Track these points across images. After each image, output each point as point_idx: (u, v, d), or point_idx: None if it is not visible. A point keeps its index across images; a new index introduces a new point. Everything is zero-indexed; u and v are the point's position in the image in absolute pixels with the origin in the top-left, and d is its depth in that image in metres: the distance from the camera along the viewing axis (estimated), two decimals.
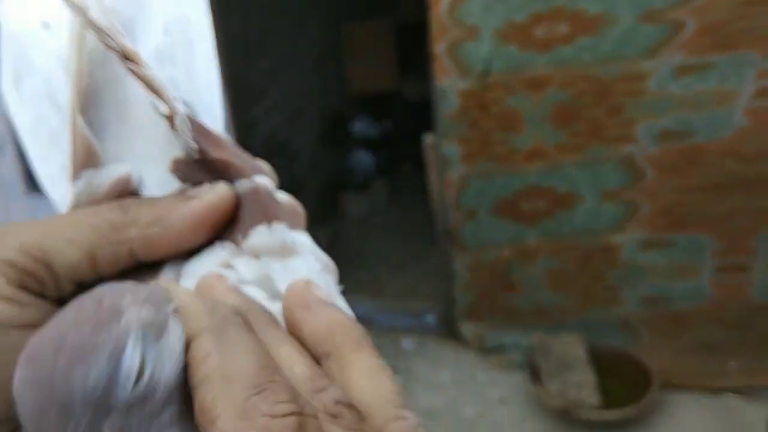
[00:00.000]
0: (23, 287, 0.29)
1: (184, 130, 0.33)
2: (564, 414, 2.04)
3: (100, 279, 0.30)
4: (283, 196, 0.35)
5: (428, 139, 2.11)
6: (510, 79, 1.92)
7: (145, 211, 0.32)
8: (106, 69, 0.35)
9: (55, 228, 0.30)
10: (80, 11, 0.32)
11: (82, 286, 0.30)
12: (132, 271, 0.31)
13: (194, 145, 0.33)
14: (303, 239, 0.34)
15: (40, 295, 0.30)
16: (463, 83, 1.94)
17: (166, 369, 0.23)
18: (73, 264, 0.30)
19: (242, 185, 0.34)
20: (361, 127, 3.91)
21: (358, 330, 0.29)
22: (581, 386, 2.07)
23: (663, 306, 2.15)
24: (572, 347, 2.17)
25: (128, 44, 0.32)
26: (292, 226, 0.33)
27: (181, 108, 0.34)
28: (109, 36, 0.32)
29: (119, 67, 0.34)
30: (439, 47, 1.90)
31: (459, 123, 2.00)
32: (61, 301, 0.29)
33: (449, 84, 1.95)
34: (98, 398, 0.22)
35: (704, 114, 1.86)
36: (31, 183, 2.15)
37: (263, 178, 0.34)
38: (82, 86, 0.34)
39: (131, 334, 0.23)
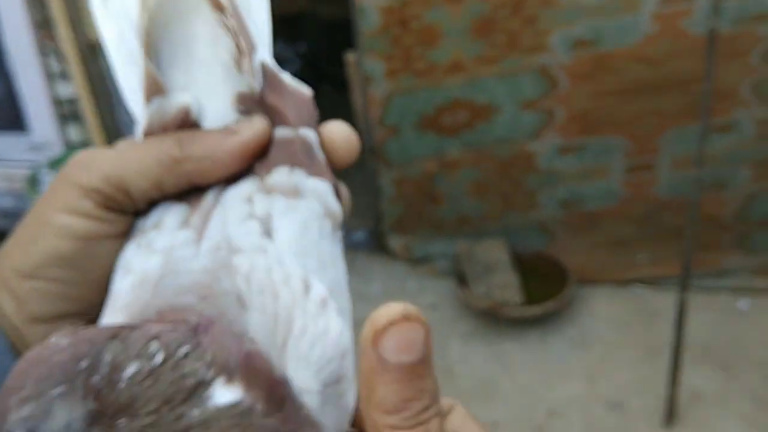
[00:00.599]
0: (108, 208, 0.36)
1: (251, 72, 0.37)
2: (491, 313, 2.16)
3: (165, 197, 0.37)
4: (320, 153, 0.39)
5: (350, 57, 2.12)
6: None
7: (197, 146, 0.37)
8: (176, 4, 0.39)
9: (130, 161, 0.37)
10: None
11: (153, 202, 0.37)
12: (187, 191, 0.37)
13: (256, 87, 0.38)
14: (316, 185, 0.37)
15: (121, 212, 0.37)
16: None
17: None
18: (144, 190, 0.37)
19: (281, 131, 0.38)
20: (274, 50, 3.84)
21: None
22: (505, 287, 2.19)
23: (577, 207, 2.26)
24: (495, 251, 2.28)
25: None
26: (312, 174, 0.37)
27: (257, 55, 0.38)
28: None
29: (189, 4, 0.38)
30: None
31: (380, 40, 2.02)
32: (136, 213, 0.37)
33: (369, 1, 1.95)
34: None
35: (613, 21, 1.93)
36: None
37: (305, 131, 0.38)
38: (158, 13, 0.38)
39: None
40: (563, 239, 2.33)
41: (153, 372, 0.26)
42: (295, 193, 0.36)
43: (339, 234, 0.37)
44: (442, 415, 0.33)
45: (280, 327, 0.31)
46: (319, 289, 0.33)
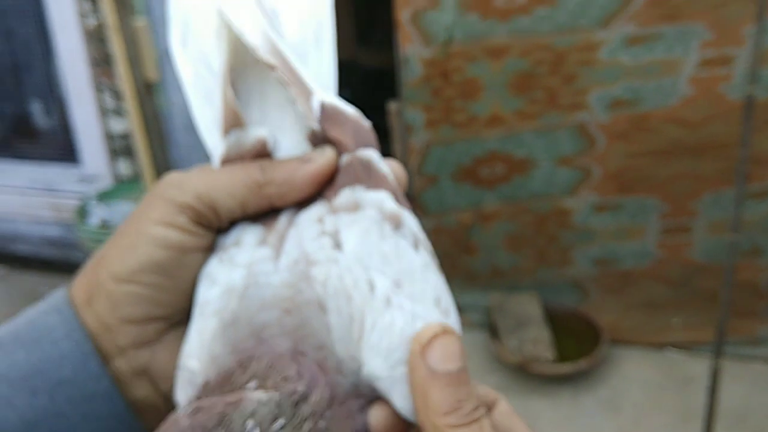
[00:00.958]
0: (198, 223, 0.41)
1: (310, 112, 0.42)
2: (521, 368, 2.14)
3: (245, 217, 0.42)
4: (382, 165, 0.43)
5: (392, 106, 2.17)
6: (471, 48, 1.98)
7: (278, 172, 0.42)
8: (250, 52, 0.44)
9: (219, 182, 0.41)
10: (236, 29, 0.42)
11: (233, 221, 0.42)
12: (263, 214, 0.42)
13: (317, 126, 0.42)
14: (374, 196, 0.41)
15: (208, 228, 0.41)
16: (426, 51, 2.00)
17: None
18: (230, 209, 0.41)
19: (343, 158, 0.42)
20: None
21: None
22: (537, 342, 2.17)
23: (611, 266, 2.24)
24: (528, 306, 2.27)
25: (271, 60, 0.42)
26: (370, 187, 0.41)
27: (315, 99, 0.42)
28: (257, 52, 0.41)
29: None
30: (403, 15, 1.95)
31: (422, 90, 2.06)
32: (219, 231, 0.42)
33: (413, 52, 2.00)
34: None
35: (652, 83, 1.94)
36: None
37: (365, 151, 0.42)
38: (234, 62, 0.44)
39: None
40: (596, 297, 2.31)
41: None
42: (355, 207, 0.40)
43: (406, 229, 0.41)
44: (489, 407, 0.39)
45: (355, 324, 0.37)
46: (383, 287, 0.38)
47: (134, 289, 0.40)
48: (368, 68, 3.65)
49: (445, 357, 0.36)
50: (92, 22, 2.54)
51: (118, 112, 2.67)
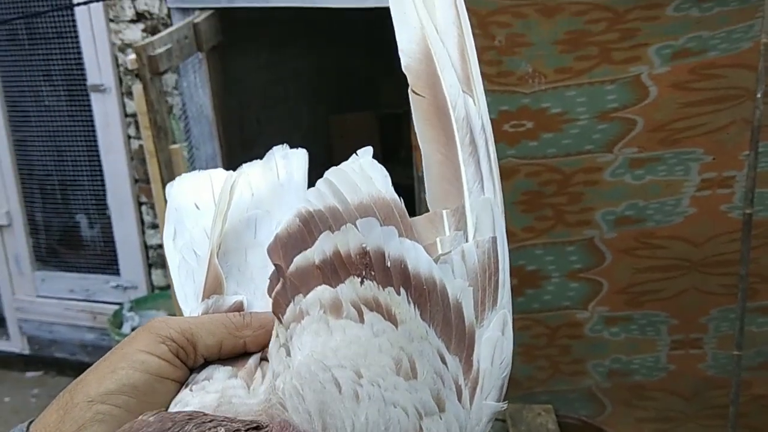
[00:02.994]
0: (177, 355, 0.43)
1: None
2: None
3: (219, 359, 0.44)
4: (315, 254, 0.46)
5: None
6: None
7: (255, 320, 0.46)
8: (237, 239, 0.53)
9: (202, 322, 0.45)
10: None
11: (206, 362, 0.44)
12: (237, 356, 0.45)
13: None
14: (312, 297, 0.43)
15: (184, 362, 0.44)
16: None
17: None
18: (208, 346, 0.44)
19: (279, 283, 0.46)
20: None
21: None
22: None
23: (625, 378, 2.19)
24: (542, 418, 2.20)
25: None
26: (309, 289, 0.44)
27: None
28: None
29: (243, 240, 0.53)
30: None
31: None
32: (192, 370, 0.44)
33: None
34: None
35: (655, 202, 1.95)
36: None
37: (296, 259, 0.45)
38: (221, 243, 0.51)
39: None
40: (610, 409, 2.24)
41: None
42: (300, 315, 0.43)
43: (346, 308, 0.42)
44: None
45: (314, 419, 0.38)
46: (346, 382, 0.38)
47: (105, 409, 0.41)
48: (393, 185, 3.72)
49: None
50: (135, 145, 2.64)
51: (155, 226, 2.73)
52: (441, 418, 0.38)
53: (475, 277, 0.42)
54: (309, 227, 0.45)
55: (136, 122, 2.56)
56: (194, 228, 0.55)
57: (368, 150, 0.49)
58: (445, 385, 0.39)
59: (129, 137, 2.66)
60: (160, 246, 2.72)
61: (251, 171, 0.58)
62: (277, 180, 0.57)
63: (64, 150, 2.83)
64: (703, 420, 2.15)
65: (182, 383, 0.43)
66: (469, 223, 0.44)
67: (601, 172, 1.93)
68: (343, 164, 0.48)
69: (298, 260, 0.44)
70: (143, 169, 2.62)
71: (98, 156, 2.73)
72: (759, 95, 1.50)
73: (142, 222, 2.79)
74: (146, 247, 2.81)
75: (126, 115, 2.64)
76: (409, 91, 0.46)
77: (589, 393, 2.24)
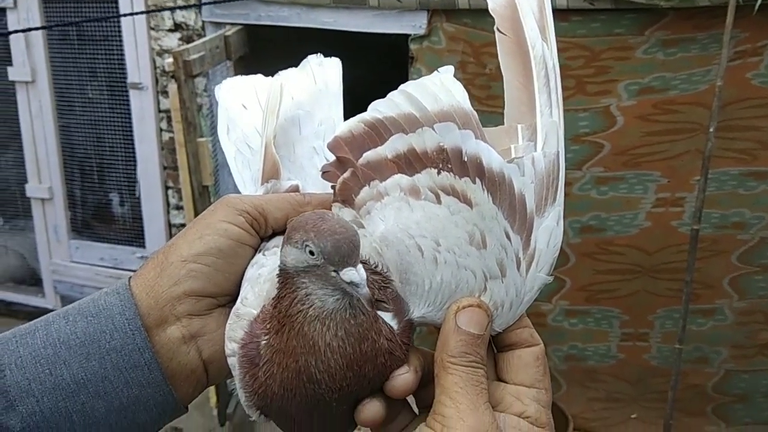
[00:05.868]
0: (251, 225, 0.46)
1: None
2: None
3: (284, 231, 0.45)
4: (387, 151, 0.47)
5: None
6: None
7: (316, 198, 0.48)
8: (285, 134, 0.56)
9: (270, 199, 0.48)
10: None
11: (275, 233, 0.47)
12: None
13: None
14: (391, 182, 0.45)
15: (258, 232, 0.46)
16: None
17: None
18: (277, 219, 0.47)
19: (348, 172, 0.48)
20: None
21: None
22: None
23: (580, 362, 2.24)
24: None
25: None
26: (384, 177, 0.45)
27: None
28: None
29: (290, 136, 0.56)
30: None
31: None
32: (263, 239, 0.47)
33: None
34: (356, 248, 0.38)
35: (616, 215, 1.99)
36: None
37: (366, 155, 0.46)
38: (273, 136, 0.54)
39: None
40: (565, 389, 2.29)
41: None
42: (379, 196, 0.45)
43: (424, 192, 0.44)
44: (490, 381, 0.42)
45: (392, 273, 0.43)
46: (428, 249, 0.42)
47: (196, 268, 0.44)
48: None
49: (470, 322, 0.40)
50: (166, 137, 2.67)
51: (179, 207, 2.76)
52: (502, 282, 0.42)
53: (541, 179, 0.45)
54: (377, 130, 0.46)
55: (168, 117, 2.58)
56: (245, 125, 0.57)
57: (449, 68, 0.49)
58: (507, 256, 0.42)
59: (161, 130, 2.68)
60: (183, 225, 2.74)
61: (289, 76, 0.60)
62: (315, 85, 0.59)
63: (103, 137, 2.84)
64: (645, 402, 2.21)
65: (256, 249, 0.46)
66: (539, 137, 0.46)
67: (571, 186, 1.97)
68: (423, 78, 0.48)
69: (369, 155, 0.45)
70: (172, 158, 2.64)
71: (132, 144, 2.74)
72: (711, 130, 1.54)
73: (167, 204, 2.81)
74: (170, 226, 2.83)
75: (159, 111, 2.65)
76: (495, 29, 0.49)
77: (551, 375, 2.29)
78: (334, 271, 0.38)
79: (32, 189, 2.95)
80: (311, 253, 0.38)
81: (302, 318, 0.39)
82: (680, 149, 1.84)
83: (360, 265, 0.38)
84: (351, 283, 0.37)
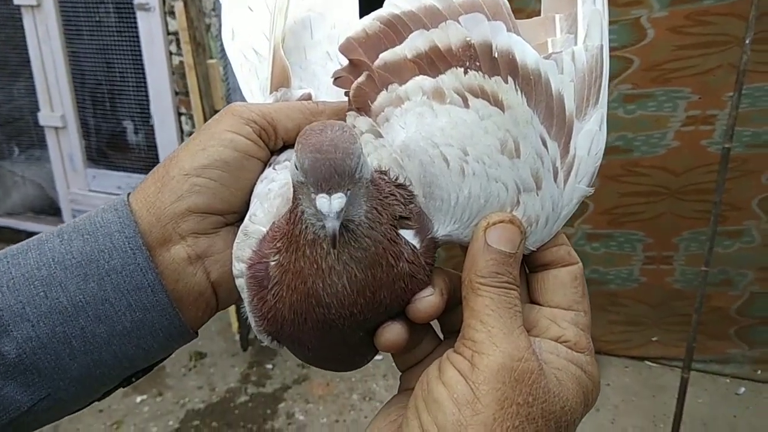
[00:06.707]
0: (260, 136, 0.42)
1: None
2: None
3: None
4: (405, 51, 0.43)
5: None
6: None
7: (328, 108, 0.44)
8: (295, 38, 0.50)
9: (280, 107, 0.43)
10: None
11: (286, 146, 0.43)
12: None
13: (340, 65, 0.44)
14: (412, 85, 0.40)
15: (266, 143, 0.43)
16: None
17: (365, 171, 0.34)
18: (288, 130, 0.43)
19: (364, 75, 0.44)
20: None
21: None
22: None
23: (601, 286, 2.23)
24: None
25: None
26: (404, 80, 0.41)
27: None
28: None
29: (301, 40, 0.50)
30: None
31: None
32: (272, 152, 0.43)
33: None
34: (353, 172, 0.33)
35: (643, 135, 1.93)
36: None
37: (383, 55, 0.42)
38: (282, 40, 0.49)
39: (361, 146, 0.34)
40: None
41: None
42: (399, 100, 0.40)
43: (449, 94, 0.39)
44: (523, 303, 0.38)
45: (415, 186, 0.39)
46: (454, 158, 0.38)
47: (200, 182, 0.40)
48: None
49: (501, 239, 0.37)
50: (176, 61, 2.60)
51: (192, 133, 2.72)
52: (537, 195, 0.38)
53: (582, 77, 0.40)
54: (395, 27, 0.41)
55: (177, 40, 2.50)
56: (251, 29, 0.52)
57: None
58: (544, 165, 0.38)
59: (171, 53, 2.60)
60: None
61: None
62: None
63: (112, 63, 2.78)
64: (666, 326, 2.20)
65: (265, 163, 0.42)
66: (580, 28, 0.41)
67: None
68: None
69: (386, 56, 0.40)
70: (183, 83, 2.58)
71: (143, 69, 2.68)
72: (747, 42, 1.45)
73: (181, 131, 2.77)
74: None
75: (168, 33, 2.58)
76: None
77: None
78: (314, 193, 0.33)
79: (45, 117, 2.91)
80: (295, 167, 0.34)
81: (304, 239, 0.35)
82: (713, 63, 1.76)
83: (340, 194, 0.33)
84: (320, 212, 0.33)
